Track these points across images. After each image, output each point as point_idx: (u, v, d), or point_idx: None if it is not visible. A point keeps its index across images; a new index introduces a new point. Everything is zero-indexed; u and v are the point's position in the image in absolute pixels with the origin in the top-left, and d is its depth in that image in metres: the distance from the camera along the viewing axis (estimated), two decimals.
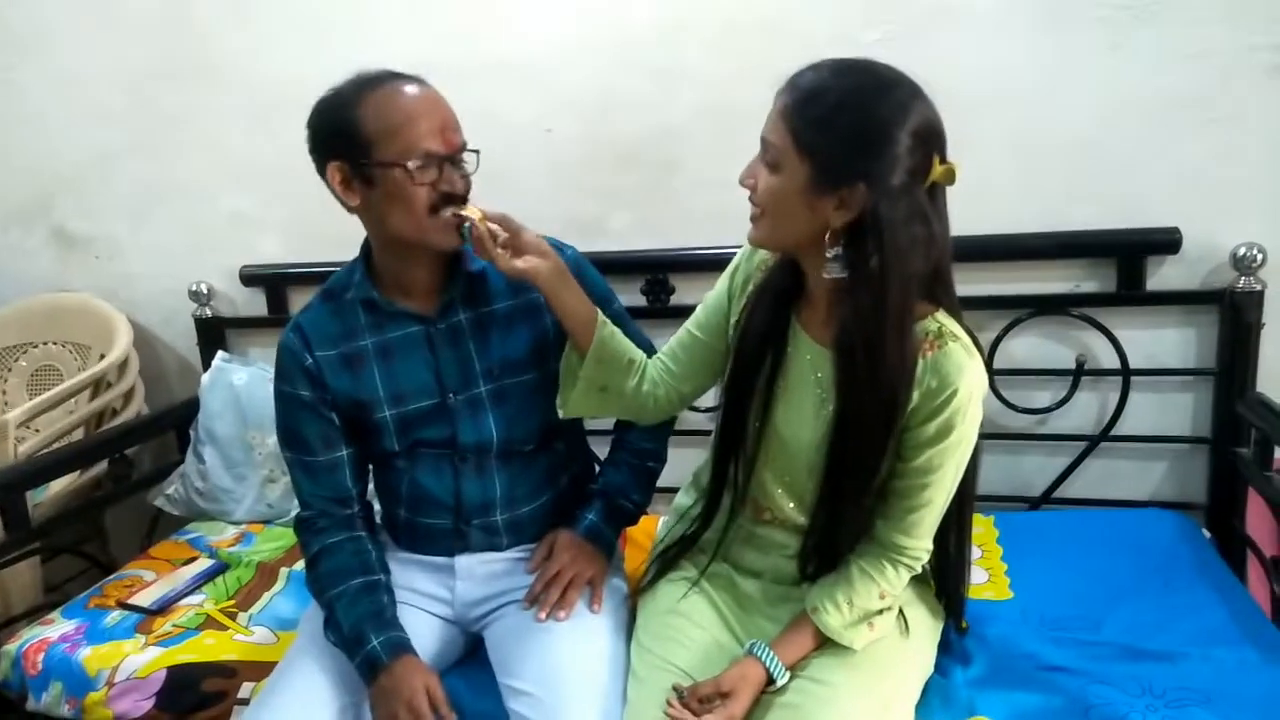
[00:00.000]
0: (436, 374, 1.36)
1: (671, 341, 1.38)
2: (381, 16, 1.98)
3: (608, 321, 1.29)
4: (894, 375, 1.09)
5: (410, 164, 1.23)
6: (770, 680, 1.18)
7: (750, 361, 1.24)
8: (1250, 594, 1.48)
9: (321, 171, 1.31)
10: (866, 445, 1.13)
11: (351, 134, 1.25)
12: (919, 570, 1.23)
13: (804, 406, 1.22)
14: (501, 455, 1.40)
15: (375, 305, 1.36)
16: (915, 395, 1.11)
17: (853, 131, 1.04)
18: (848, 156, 1.05)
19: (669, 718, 1.16)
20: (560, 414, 1.34)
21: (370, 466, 1.48)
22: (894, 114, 1.04)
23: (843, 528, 1.21)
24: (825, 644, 1.21)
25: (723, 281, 1.33)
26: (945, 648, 1.36)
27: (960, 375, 1.10)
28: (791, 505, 1.27)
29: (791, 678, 1.19)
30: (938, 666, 1.32)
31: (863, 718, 1.13)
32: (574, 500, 1.48)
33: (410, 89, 1.27)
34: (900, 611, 1.26)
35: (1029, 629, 1.42)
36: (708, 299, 1.34)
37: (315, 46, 2.01)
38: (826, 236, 1.08)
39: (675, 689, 1.19)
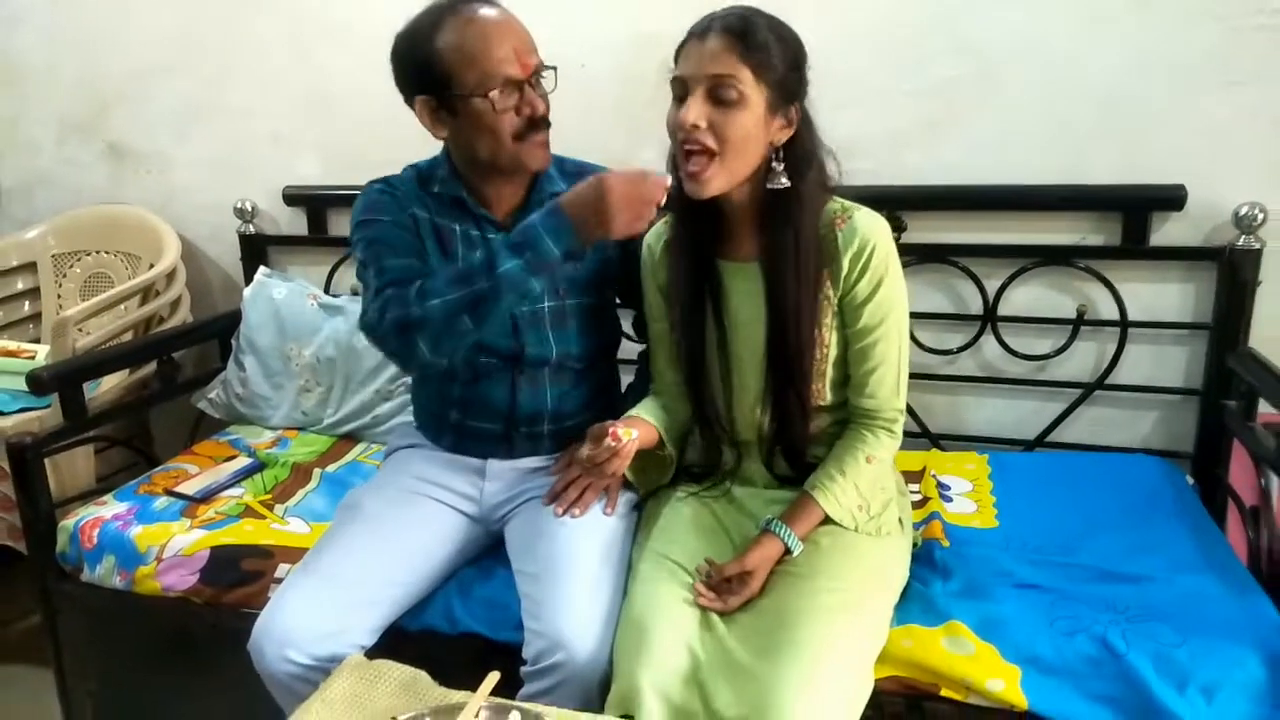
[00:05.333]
0: None
1: (656, 364, 1.51)
2: None
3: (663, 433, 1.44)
4: (814, 237, 1.30)
5: (491, 94, 1.30)
6: (787, 551, 1.31)
7: (693, 320, 1.39)
8: (1223, 533, 1.57)
9: (410, 104, 1.39)
10: (800, 313, 1.30)
11: (431, 67, 1.32)
12: (897, 433, 1.38)
13: (752, 322, 1.36)
14: (555, 369, 1.50)
15: (463, 204, 1.44)
16: (845, 262, 1.29)
17: (790, 55, 1.25)
18: (791, 78, 1.25)
19: (696, 603, 1.28)
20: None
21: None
22: (800, 39, 1.27)
23: (795, 418, 1.36)
24: (824, 527, 1.35)
25: (645, 270, 1.47)
26: (930, 564, 1.47)
27: (873, 232, 1.31)
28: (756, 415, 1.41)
29: (781, 574, 1.30)
30: (920, 578, 1.43)
31: (836, 611, 1.23)
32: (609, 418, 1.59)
33: (483, 13, 1.32)
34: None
35: (1009, 553, 1.52)
36: (646, 296, 1.49)
37: None
38: (775, 154, 1.28)
39: (700, 570, 1.32)
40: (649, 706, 1.17)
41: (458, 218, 1.45)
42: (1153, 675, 1.22)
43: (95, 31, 2.37)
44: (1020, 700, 1.25)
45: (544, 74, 1.38)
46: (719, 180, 1.26)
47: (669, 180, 1.26)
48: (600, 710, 1.23)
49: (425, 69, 1.35)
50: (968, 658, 1.29)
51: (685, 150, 1.25)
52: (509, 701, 1.16)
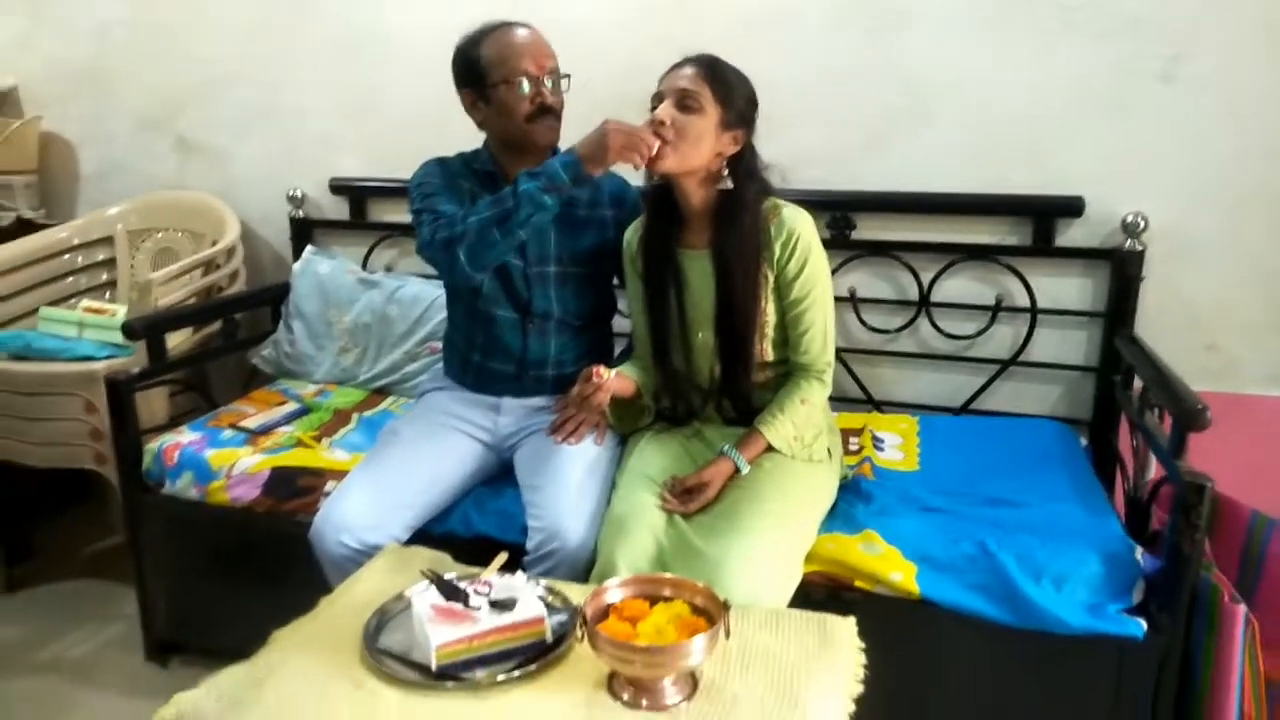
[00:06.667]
0: (523, 246, 1.80)
1: (637, 333, 1.86)
2: None
3: (641, 388, 1.81)
4: (754, 233, 1.65)
5: (513, 81, 1.73)
6: (737, 470, 1.66)
7: (659, 296, 1.75)
8: (1095, 476, 1.91)
9: (461, 96, 1.81)
10: (742, 292, 1.65)
11: (473, 66, 1.76)
12: (827, 381, 1.73)
13: (706, 298, 1.71)
14: (559, 324, 1.87)
15: (494, 177, 1.84)
16: (776, 248, 1.64)
17: (744, 94, 1.66)
18: (743, 109, 1.62)
19: (663, 508, 1.62)
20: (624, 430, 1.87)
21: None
22: (752, 85, 1.67)
23: (740, 374, 1.72)
24: (767, 454, 1.69)
25: (625, 259, 1.83)
26: (856, 492, 1.83)
27: (797, 223, 1.66)
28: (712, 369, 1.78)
29: (732, 489, 1.66)
30: (846, 501, 1.79)
31: (772, 515, 1.58)
32: None
33: (516, 30, 1.78)
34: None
35: (922, 487, 1.87)
36: (627, 280, 1.85)
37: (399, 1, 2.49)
38: (724, 161, 1.65)
39: (666, 483, 1.66)
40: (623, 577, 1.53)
41: (491, 190, 1.81)
42: (1016, 570, 1.56)
43: (172, 42, 2.76)
44: (915, 589, 1.59)
45: (561, 79, 1.81)
46: (670, 160, 1.61)
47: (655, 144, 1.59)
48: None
49: (470, 67, 1.79)
50: (876, 557, 1.63)
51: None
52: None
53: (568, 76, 1.82)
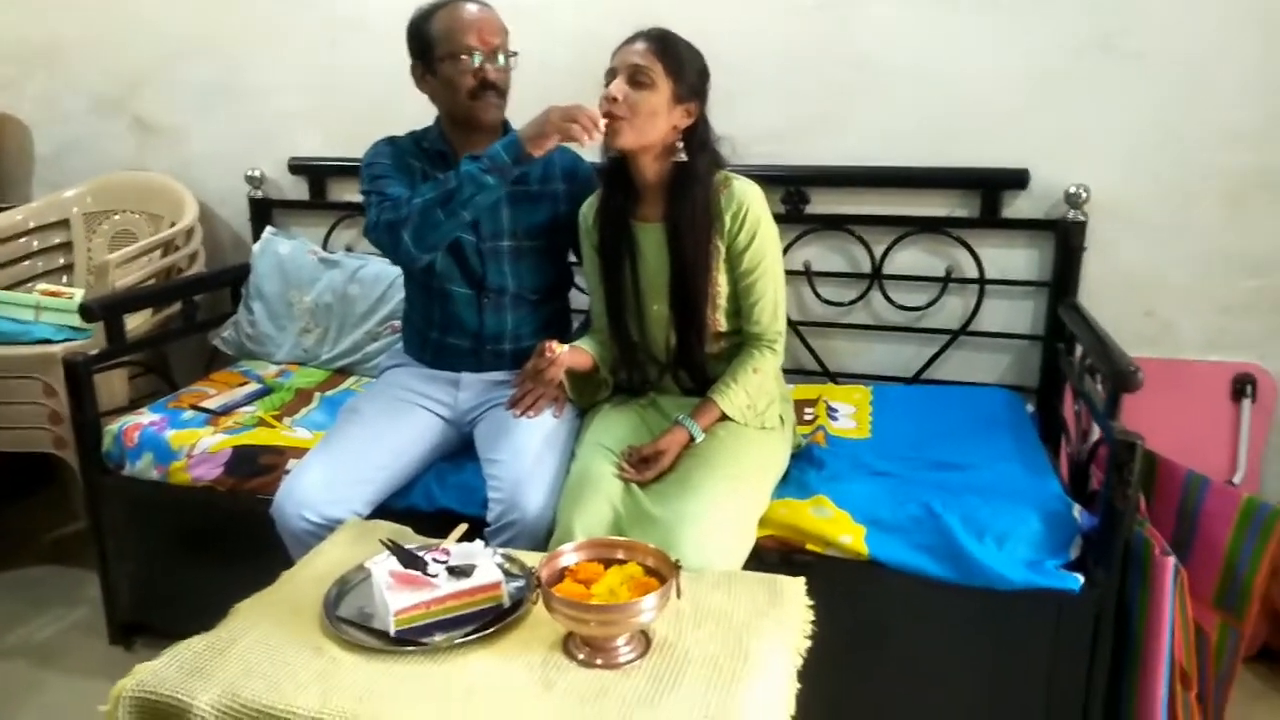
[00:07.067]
0: (476, 222, 1.82)
1: (594, 307, 1.89)
2: None
3: (598, 362, 1.83)
4: (706, 205, 1.68)
5: (457, 57, 1.75)
6: (692, 439, 1.70)
7: (614, 269, 1.78)
8: (1038, 438, 1.98)
9: (412, 71, 1.84)
10: (695, 264, 1.69)
11: (422, 39, 1.78)
12: (779, 350, 1.77)
13: (660, 269, 1.75)
14: (514, 298, 1.90)
15: (445, 156, 1.85)
16: (727, 220, 1.68)
17: (696, 67, 1.65)
18: (695, 82, 1.64)
19: (620, 477, 1.65)
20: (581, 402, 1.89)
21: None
22: (704, 57, 1.69)
23: (694, 345, 1.76)
24: (721, 424, 1.73)
25: (581, 233, 1.85)
26: (809, 459, 1.88)
27: (746, 196, 1.69)
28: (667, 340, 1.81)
29: (687, 456, 1.70)
30: (799, 468, 1.84)
31: (725, 480, 1.62)
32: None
33: (466, 6, 1.79)
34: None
35: (872, 453, 1.93)
36: (584, 254, 1.87)
37: None
38: (679, 134, 1.67)
39: (623, 453, 1.70)
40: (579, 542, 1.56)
41: (441, 169, 1.84)
42: (960, 529, 1.62)
43: (128, 20, 2.73)
44: (863, 550, 1.65)
45: (510, 57, 1.82)
46: (627, 135, 1.64)
47: (601, 121, 1.61)
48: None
49: (420, 40, 1.81)
50: (827, 520, 1.68)
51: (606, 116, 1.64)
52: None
53: (516, 54, 1.84)
